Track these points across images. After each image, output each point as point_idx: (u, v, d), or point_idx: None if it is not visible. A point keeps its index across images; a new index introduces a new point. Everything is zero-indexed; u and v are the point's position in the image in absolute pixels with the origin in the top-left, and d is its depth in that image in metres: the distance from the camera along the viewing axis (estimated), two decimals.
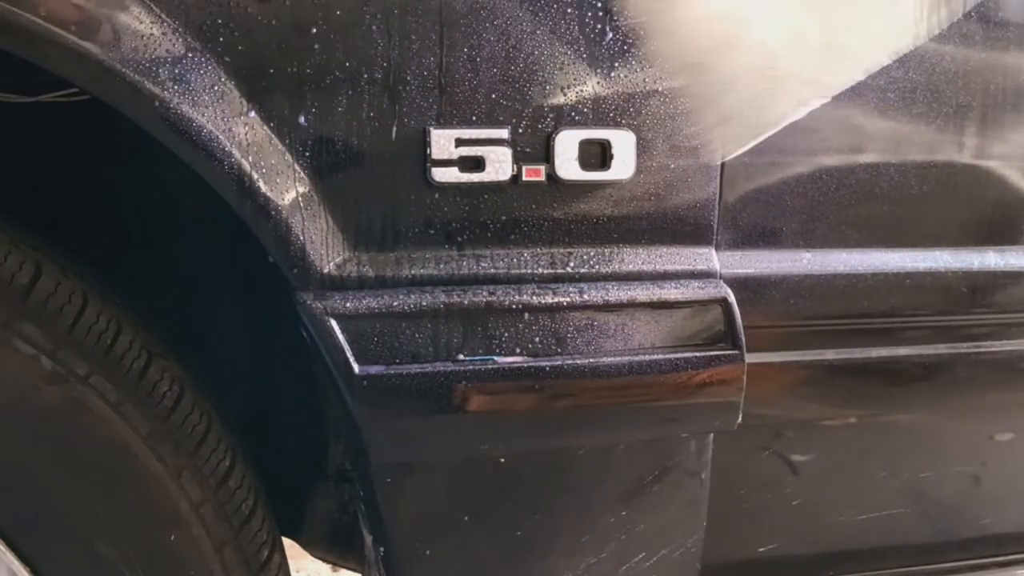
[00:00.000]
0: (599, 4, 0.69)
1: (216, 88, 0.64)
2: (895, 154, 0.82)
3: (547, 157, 0.71)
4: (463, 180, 0.70)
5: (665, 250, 0.77)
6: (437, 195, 0.70)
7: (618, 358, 0.74)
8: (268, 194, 0.66)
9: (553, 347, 0.73)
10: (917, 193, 0.84)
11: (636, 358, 0.75)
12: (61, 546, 0.70)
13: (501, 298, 0.73)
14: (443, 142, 0.68)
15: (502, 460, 0.76)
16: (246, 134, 0.65)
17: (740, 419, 0.79)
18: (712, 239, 0.77)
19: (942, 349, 0.88)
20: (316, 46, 0.65)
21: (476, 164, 0.69)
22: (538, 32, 0.69)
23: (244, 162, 0.65)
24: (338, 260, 0.69)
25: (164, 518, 0.72)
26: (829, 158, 0.80)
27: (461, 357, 0.71)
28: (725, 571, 0.93)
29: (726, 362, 0.77)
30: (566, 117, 0.71)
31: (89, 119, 0.78)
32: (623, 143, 0.72)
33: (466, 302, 0.72)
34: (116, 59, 0.61)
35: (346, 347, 0.68)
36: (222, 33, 0.63)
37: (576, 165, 0.71)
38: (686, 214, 0.76)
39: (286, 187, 0.66)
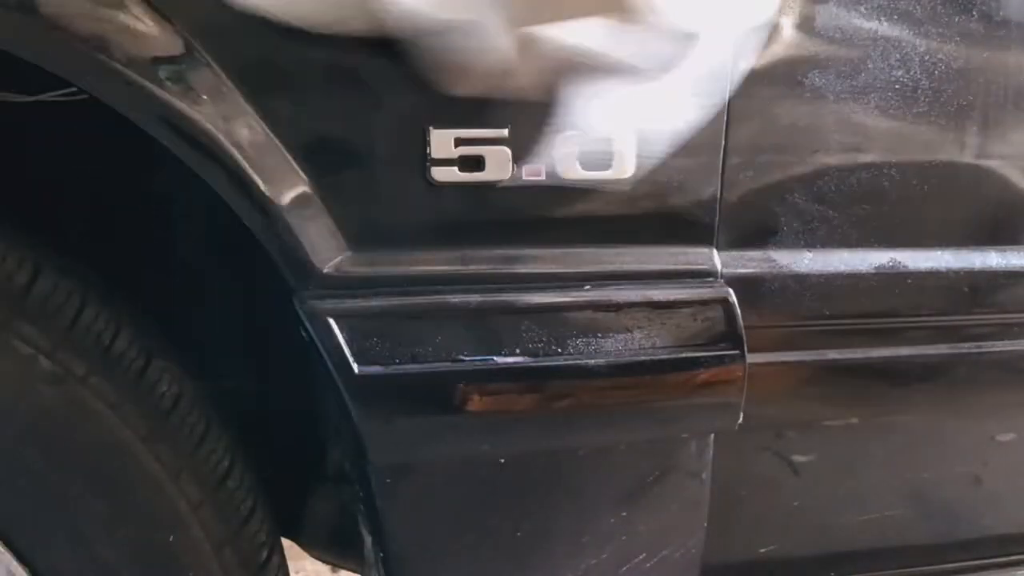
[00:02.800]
0: None
1: (216, 87, 0.63)
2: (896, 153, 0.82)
3: (547, 156, 0.71)
4: (463, 179, 0.69)
5: (665, 250, 0.76)
6: (437, 194, 0.70)
7: (618, 358, 0.74)
8: (267, 194, 0.65)
9: (553, 347, 0.73)
10: (918, 192, 0.84)
11: (636, 358, 0.75)
12: (59, 546, 0.70)
13: (501, 298, 0.72)
14: (442, 141, 0.68)
15: (502, 461, 0.76)
16: (246, 134, 0.64)
17: (741, 419, 0.78)
18: (713, 239, 0.77)
19: (944, 349, 0.88)
20: (316, 45, 0.65)
21: (476, 163, 0.69)
22: None
23: (243, 162, 0.64)
24: (337, 260, 0.69)
25: (163, 518, 0.72)
26: (830, 157, 0.80)
27: (461, 357, 0.71)
28: (726, 572, 0.92)
29: (727, 362, 0.76)
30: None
31: (88, 118, 0.78)
32: (623, 142, 0.72)
33: (466, 302, 0.71)
34: (118, 59, 0.61)
35: (345, 347, 0.68)
36: (223, 32, 0.63)
37: (576, 164, 0.71)
38: (686, 213, 0.76)
39: (286, 187, 0.66)
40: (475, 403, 0.72)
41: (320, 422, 0.93)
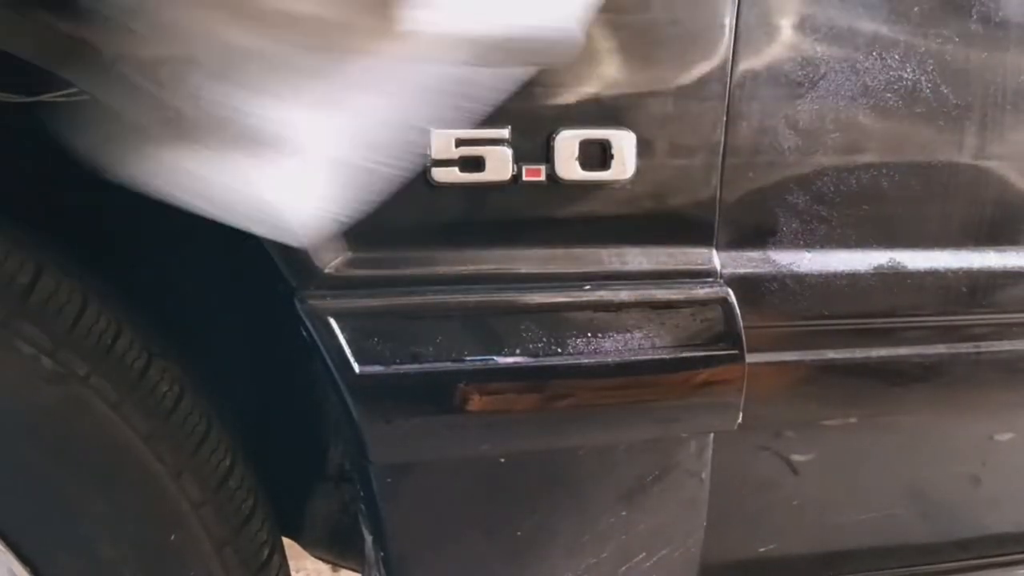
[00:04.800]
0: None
1: None
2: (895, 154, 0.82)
3: (547, 157, 0.71)
4: (463, 180, 0.70)
5: (665, 250, 0.77)
6: (437, 195, 0.70)
7: (618, 358, 0.74)
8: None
9: (553, 347, 0.73)
10: (917, 192, 0.84)
11: (636, 358, 0.75)
12: (61, 546, 0.70)
13: (501, 298, 0.72)
14: (443, 142, 0.68)
15: (502, 460, 0.76)
16: None
17: (740, 419, 0.78)
18: (712, 239, 0.77)
19: (942, 349, 0.88)
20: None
21: (476, 164, 0.69)
22: None
23: None
24: (338, 260, 0.69)
25: (164, 518, 0.72)
26: (830, 158, 0.80)
27: (461, 357, 0.71)
28: (725, 571, 0.93)
29: (726, 362, 0.77)
30: (566, 117, 0.71)
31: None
32: (623, 143, 0.72)
33: (466, 302, 0.72)
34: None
35: (346, 347, 0.68)
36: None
37: (576, 165, 0.71)
38: (686, 214, 0.76)
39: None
40: (475, 403, 0.72)
41: (321, 422, 0.93)
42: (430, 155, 0.68)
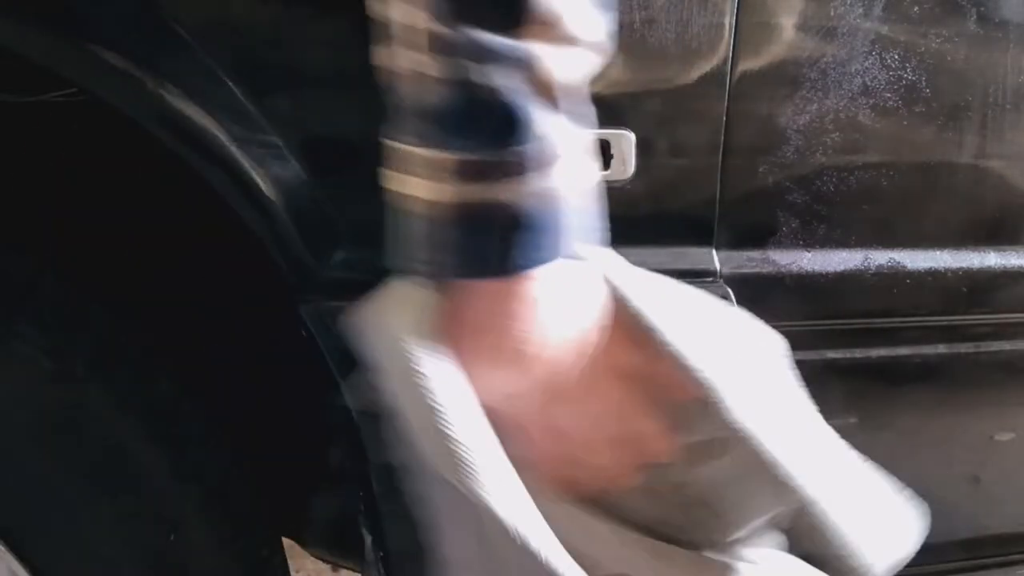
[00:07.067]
0: None
1: (217, 86, 0.63)
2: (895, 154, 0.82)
3: None
4: None
5: (665, 250, 0.77)
6: None
7: None
8: (268, 194, 0.65)
9: None
10: (918, 192, 0.84)
11: None
12: (61, 546, 0.70)
13: None
14: None
15: None
16: (248, 134, 0.64)
17: None
18: (712, 239, 0.77)
19: (942, 349, 0.88)
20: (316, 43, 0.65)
21: None
22: None
23: (244, 162, 0.64)
24: (340, 260, 0.69)
25: (163, 517, 0.72)
26: (829, 157, 0.80)
27: None
28: None
29: None
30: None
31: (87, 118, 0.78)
32: (623, 143, 0.72)
33: None
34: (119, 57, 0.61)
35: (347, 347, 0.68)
36: (224, 30, 0.63)
37: None
38: (686, 214, 0.76)
39: (287, 187, 0.66)
40: None
41: (321, 421, 0.93)
42: None
